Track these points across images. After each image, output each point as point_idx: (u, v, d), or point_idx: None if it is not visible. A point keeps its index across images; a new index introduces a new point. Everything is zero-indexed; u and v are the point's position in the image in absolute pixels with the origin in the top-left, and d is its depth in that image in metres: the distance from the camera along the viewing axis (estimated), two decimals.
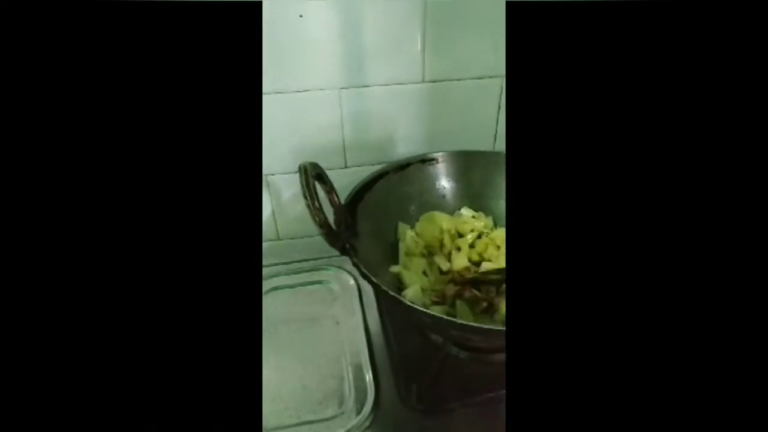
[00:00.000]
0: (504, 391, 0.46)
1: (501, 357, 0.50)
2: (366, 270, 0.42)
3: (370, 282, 0.42)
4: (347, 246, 0.44)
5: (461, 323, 0.36)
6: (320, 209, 0.41)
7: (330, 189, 0.48)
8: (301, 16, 0.52)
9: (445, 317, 0.37)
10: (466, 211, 0.60)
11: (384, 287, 0.40)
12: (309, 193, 0.40)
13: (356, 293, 0.58)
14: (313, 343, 0.52)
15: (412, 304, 0.38)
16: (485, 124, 0.66)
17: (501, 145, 0.68)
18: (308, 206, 0.40)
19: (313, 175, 0.42)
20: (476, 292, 0.49)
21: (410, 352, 0.50)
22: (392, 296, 0.39)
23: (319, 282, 0.60)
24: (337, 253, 0.46)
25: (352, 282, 0.60)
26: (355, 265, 0.43)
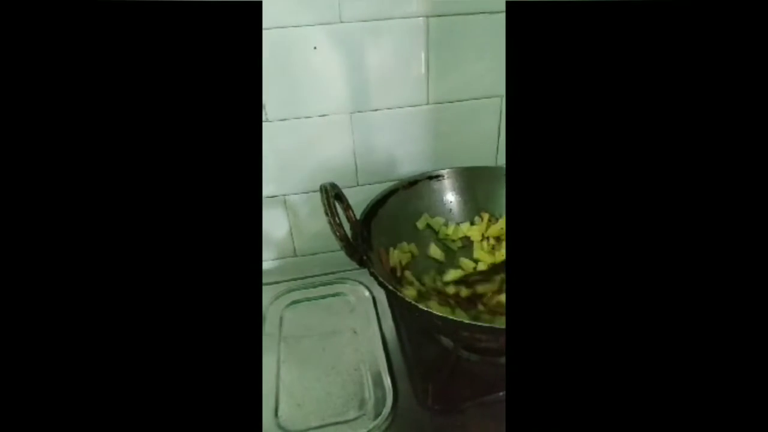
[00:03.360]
0: None
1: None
2: (382, 279, 0.46)
3: (386, 289, 0.45)
4: (364, 258, 0.48)
5: (469, 323, 0.39)
6: (340, 225, 0.45)
7: (347, 206, 0.52)
8: (315, 47, 0.57)
9: (454, 318, 0.41)
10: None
11: (400, 294, 0.43)
12: (330, 211, 0.44)
13: (372, 304, 0.61)
14: (334, 352, 0.55)
15: (425, 308, 0.42)
16: (487, 141, 0.71)
17: (503, 160, 0.72)
18: (329, 222, 0.44)
19: (332, 195, 0.46)
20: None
21: (424, 356, 0.53)
22: (407, 302, 0.43)
23: (336, 294, 0.64)
24: (352, 266, 0.50)
25: (367, 293, 0.63)
26: (372, 275, 0.47)
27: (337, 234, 0.44)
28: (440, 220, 0.63)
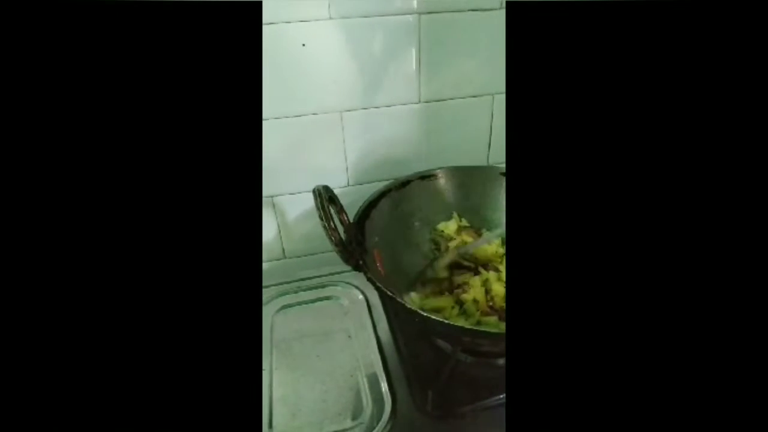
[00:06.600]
0: None
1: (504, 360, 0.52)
2: (380, 284, 0.45)
3: (385, 295, 0.44)
4: (360, 262, 0.47)
5: (472, 329, 0.39)
6: (335, 229, 0.43)
7: (340, 209, 0.50)
8: (303, 44, 0.55)
9: (457, 324, 0.40)
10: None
11: (399, 299, 0.42)
12: (324, 215, 0.43)
13: (365, 307, 0.60)
14: (328, 357, 0.54)
15: (427, 314, 0.41)
16: (478, 139, 0.70)
17: (494, 158, 0.72)
18: (324, 227, 0.43)
19: (326, 198, 0.45)
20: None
21: (422, 360, 0.52)
22: (408, 308, 0.42)
23: (328, 298, 0.62)
24: (343, 268, 0.48)
25: (360, 296, 0.62)
26: (369, 280, 0.46)
27: (333, 239, 0.43)
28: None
